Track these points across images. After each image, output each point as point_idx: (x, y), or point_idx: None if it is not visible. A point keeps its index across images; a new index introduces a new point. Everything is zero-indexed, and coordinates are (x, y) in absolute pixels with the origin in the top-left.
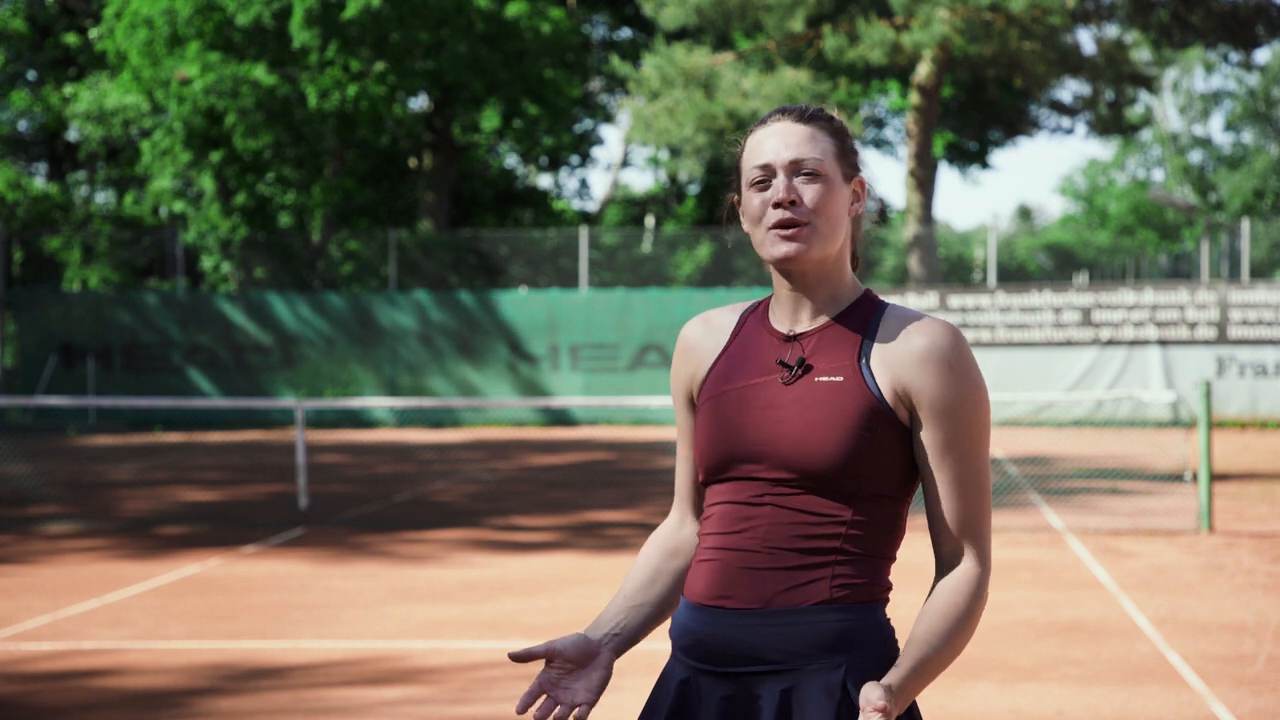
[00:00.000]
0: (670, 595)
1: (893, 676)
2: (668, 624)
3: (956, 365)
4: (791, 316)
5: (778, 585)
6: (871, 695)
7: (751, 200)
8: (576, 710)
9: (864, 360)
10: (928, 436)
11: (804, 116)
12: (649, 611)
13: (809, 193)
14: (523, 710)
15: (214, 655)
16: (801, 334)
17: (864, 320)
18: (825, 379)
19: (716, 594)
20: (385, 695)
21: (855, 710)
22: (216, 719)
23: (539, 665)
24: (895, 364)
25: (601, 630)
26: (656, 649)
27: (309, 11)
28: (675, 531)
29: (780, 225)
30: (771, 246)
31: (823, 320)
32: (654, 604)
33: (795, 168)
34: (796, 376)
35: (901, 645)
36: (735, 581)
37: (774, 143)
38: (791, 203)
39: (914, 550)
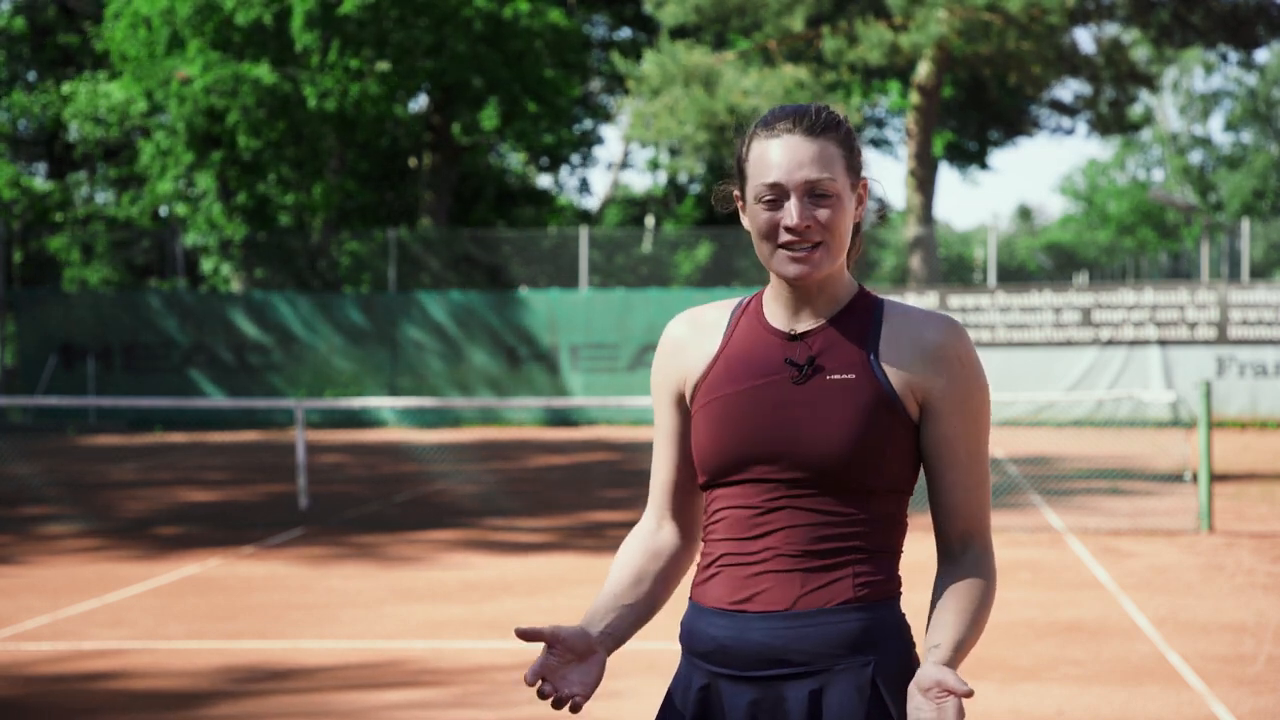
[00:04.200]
0: (654, 597)
1: (940, 656)
2: (662, 625)
3: (965, 360)
4: (792, 316)
5: (801, 587)
6: (947, 679)
7: (759, 215)
8: (571, 701)
9: (874, 357)
10: (939, 430)
11: (814, 130)
12: (637, 612)
13: (822, 215)
14: (532, 681)
15: (214, 656)
16: (805, 333)
17: (866, 318)
18: (838, 377)
19: (738, 598)
20: (386, 697)
21: (885, 707)
22: None
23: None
24: (906, 361)
25: (596, 627)
26: (656, 649)
27: (309, 14)
28: (654, 534)
29: (793, 245)
30: (782, 266)
31: (824, 319)
32: (640, 604)
33: (808, 189)
34: (807, 376)
35: (918, 639)
36: (756, 585)
37: (784, 160)
38: (806, 227)
39: (922, 549)
